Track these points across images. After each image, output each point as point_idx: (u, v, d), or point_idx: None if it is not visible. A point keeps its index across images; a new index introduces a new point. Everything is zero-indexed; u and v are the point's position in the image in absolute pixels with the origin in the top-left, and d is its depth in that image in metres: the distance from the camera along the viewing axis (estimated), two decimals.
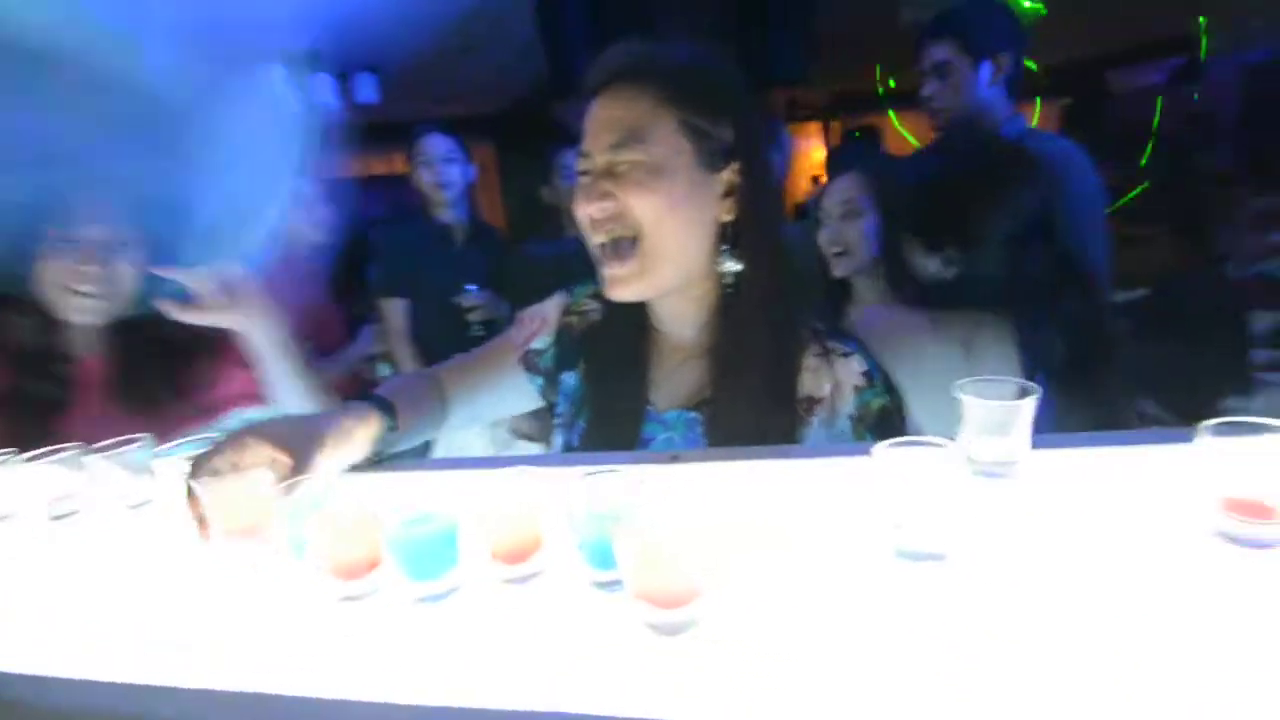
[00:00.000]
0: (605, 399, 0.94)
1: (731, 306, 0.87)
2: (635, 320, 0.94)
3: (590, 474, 0.58)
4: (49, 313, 1.17)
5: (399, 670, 0.49)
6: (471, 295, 2.28)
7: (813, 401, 0.84)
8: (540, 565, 0.59)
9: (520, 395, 1.04)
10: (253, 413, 1.21)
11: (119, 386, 1.20)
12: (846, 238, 1.51)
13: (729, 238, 0.86)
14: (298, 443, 0.72)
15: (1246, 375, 1.61)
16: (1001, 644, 0.45)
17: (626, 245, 0.83)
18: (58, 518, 0.83)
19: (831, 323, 0.91)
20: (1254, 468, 0.51)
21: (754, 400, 0.84)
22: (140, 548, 0.75)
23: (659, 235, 0.82)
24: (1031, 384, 0.65)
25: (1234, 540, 0.52)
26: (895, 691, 0.42)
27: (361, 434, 0.81)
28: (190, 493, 0.66)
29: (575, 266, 0.97)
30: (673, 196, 0.81)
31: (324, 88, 4.65)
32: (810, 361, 0.86)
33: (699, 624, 0.49)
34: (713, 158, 0.84)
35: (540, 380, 1.03)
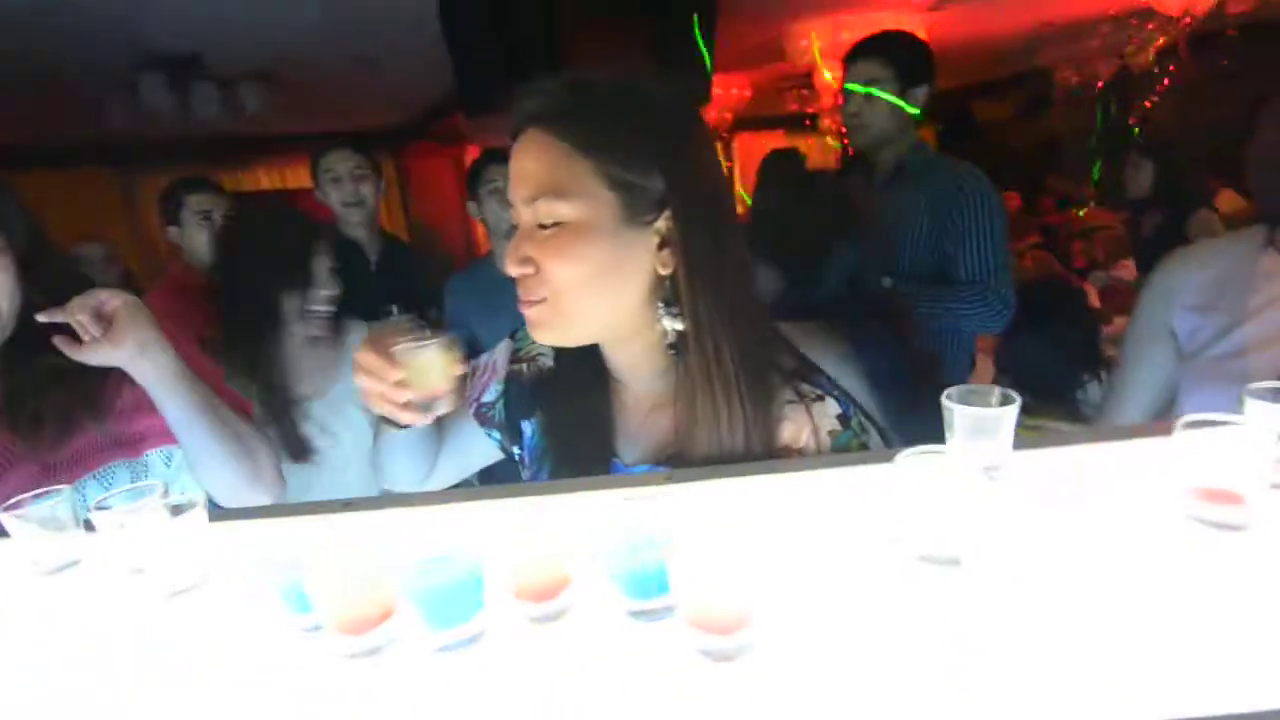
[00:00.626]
0: (568, 453, 0.88)
1: (689, 362, 0.78)
2: (590, 368, 0.88)
3: (627, 499, 0.56)
4: None
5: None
6: (392, 318, 2.18)
7: (790, 452, 0.79)
8: (569, 600, 0.56)
9: (482, 450, 1.00)
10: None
11: (6, 414, 0.99)
12: None
13: (666, 292, 0.78)
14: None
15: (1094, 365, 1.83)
16: (1014, 641, 0.47)
17: (539, 302, 0.77)
18: None
19: (802, 362, 0.84)
20: (1223, 459, 0.57)
21: (724, 449, 0.78)
22: (85, 615, 0.65)
23: (573, 300, 0.76)
24: (1012, 392, 0.70)
25: (1208, 524, 0.58)
26: (950, 703, 0.43)
27: None
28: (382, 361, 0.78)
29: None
30: (592, 262, 0.74)
31: (206, 96, 4.31)
32: (785, 410, 0.80)
33: (754, 648, 0.49)
34: (641, 210, 0.75)
35: (496, 434, 0.99)
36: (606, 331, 0.82)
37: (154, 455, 1.08)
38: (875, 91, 1.83)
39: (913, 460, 0.58)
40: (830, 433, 0.79)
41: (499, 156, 2.19)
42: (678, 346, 0.79)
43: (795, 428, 0.79)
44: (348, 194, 2.25)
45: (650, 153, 0.75)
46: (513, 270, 0.78)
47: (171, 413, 1.02)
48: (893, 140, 1.91)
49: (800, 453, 0.79)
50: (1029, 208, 6.42)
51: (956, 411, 0.69)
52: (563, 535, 0.56)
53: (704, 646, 0.48)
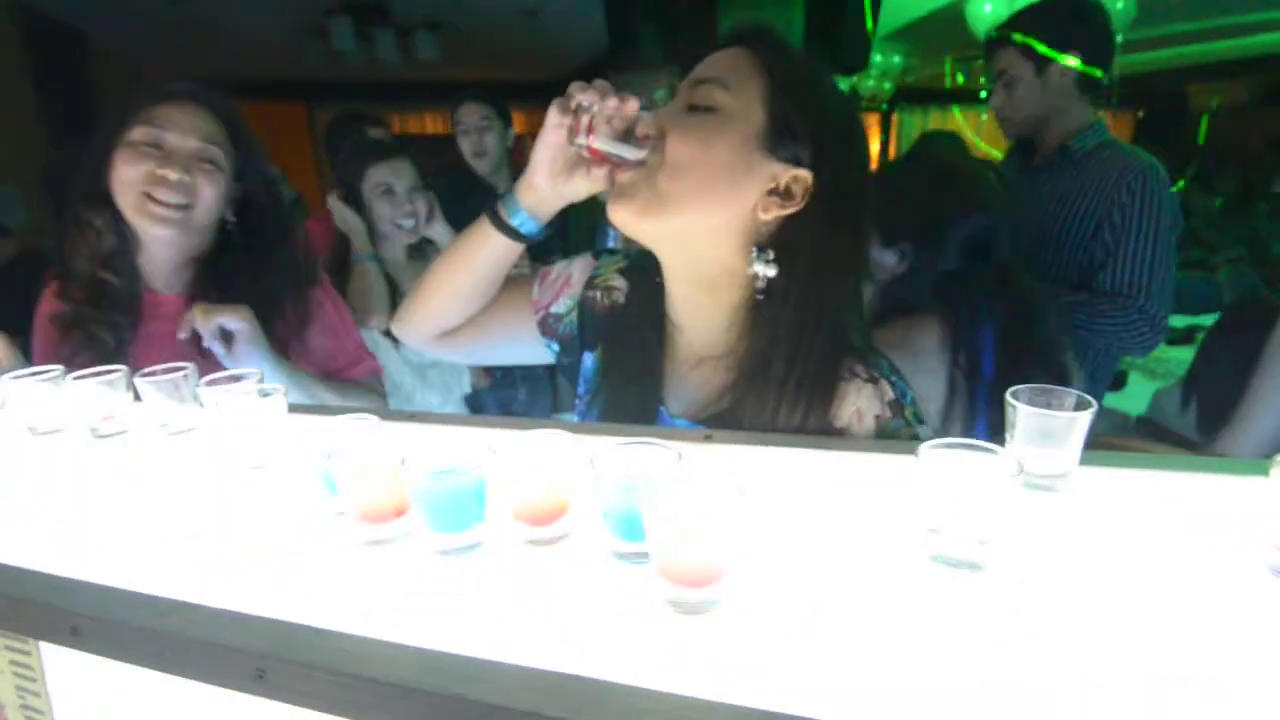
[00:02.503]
0: (620, 395, 0.89)
1: (761, 318, 0.79)
2: (656, 312, 0.88)
3: (625, 444, 0.57)
4: (126, 230, 1.13)
5: (416, 615, 0.50)
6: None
7: (834, 429, 0.78)
8: (565, 529, 0.58)
9: (532, 351, 1.00)
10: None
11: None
12: None
13: (763, 238, 0.78)
14: None
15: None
16: (1025, 659, 0.43)
17: (637, 165, 0.78)
18: (102, 436, 0.86)
19: (867, 344, 0.83)
20: None
21: (778, 417, 0.77)
22: (178, 473, 0.76)
23: (674, 182, 0.76)
24: (1088, 396, 0.62)
25: None
26: (904, 685, 0.41)
27: None
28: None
29: None
30: (716, 156, 0.75)
31: (386, 43, 4.67)
32: (840, 387, 0.78)
33: (720, 604, 0.48)
34: (778, 147, 0.76)
35: (557, 346, 0.98)
36: (680, 238, 0.80)
37: None
38: (1040, 48, 1.61)
39: (939, 453, 0.54)
40: (877, 417, 0.76)
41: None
42: (768, 293, 0.78)
43: (842, 405, 0.77)
44: (474, 144, 2.38)
45: (816, 113, 0.77)
46: (645, 128, 0.79)
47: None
48: (1054, 118, 1.68)
49: (841, 432, 0.77)
50: (1240, 212, 5.52)
51: (1020, 411, 0.63)
52: (573, 466, 0.58)
53: (671, 596, 0.48)
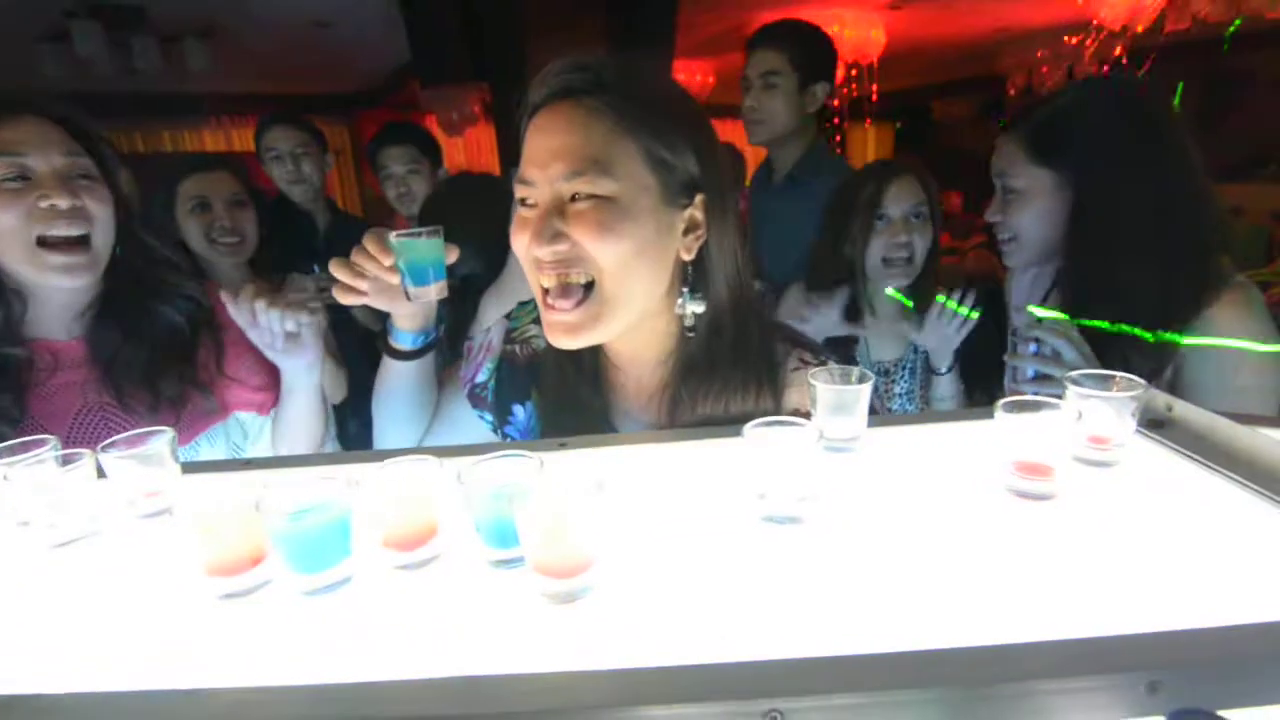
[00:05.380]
0: (563, 433, 0.86)
1: (696, 345, 0.81)
2: (586, 351, 0.86)
3: (486, 459, 0.60)
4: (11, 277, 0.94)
5: (296, 656, 0.49)
6: (315, 274, 2.18)
7: (799, 414, 0.80)
8: (436, 549, 0.60)
9: (474, 430, 0.99)
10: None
11: (110, 371, 1.01)
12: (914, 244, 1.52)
13: (689, 277, 0.80)
14: None
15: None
16: (849, 591, 0.53)
17: (578, 290, 0.75)
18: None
19: (797, 333, 0.89)
20: (1037, 436, 0.64)
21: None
22: None
23: (619, 282, 0.74)
24: (868, 371, 0.76)
25: (1022, 494, 0.65)
26: (761, 634, 0.49)
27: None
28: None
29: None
30: (636, 240, 0.73)
31: (148, 51, 4.15)
32: (791, 377, 0.83)
33: (591, 590, 0.53)
34: (676, 193, 0.76)
35: (488, 416, 0.97)
36: (634, 320, 0.80)
37: (240, 416, 1.18)
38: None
39: (761, 431, 0.64)
40: None
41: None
42: (697, 328, 0.81)
43: (802, 392, 0.83)
44: (289, 172, 2.19)
45: (684, 136, 0.76)
46: (543, 250, 0.74)
47: (292, 402, 1.11)
48: (788, 139, 1.89)
49: (809, 415, 0.82)
50: (975, 208, 6.64)
51: (820, 389, 0.75)
52: (437, 487, 0.60)
53: (547, 590, 0.53)
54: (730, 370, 0.82)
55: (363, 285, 0.87)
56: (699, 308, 0.80)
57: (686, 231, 0.79)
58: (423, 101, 4.97)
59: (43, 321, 1.00)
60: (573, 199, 0.74)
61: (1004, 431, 0.66)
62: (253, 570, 0.57)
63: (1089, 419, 0.67)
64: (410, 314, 0.92)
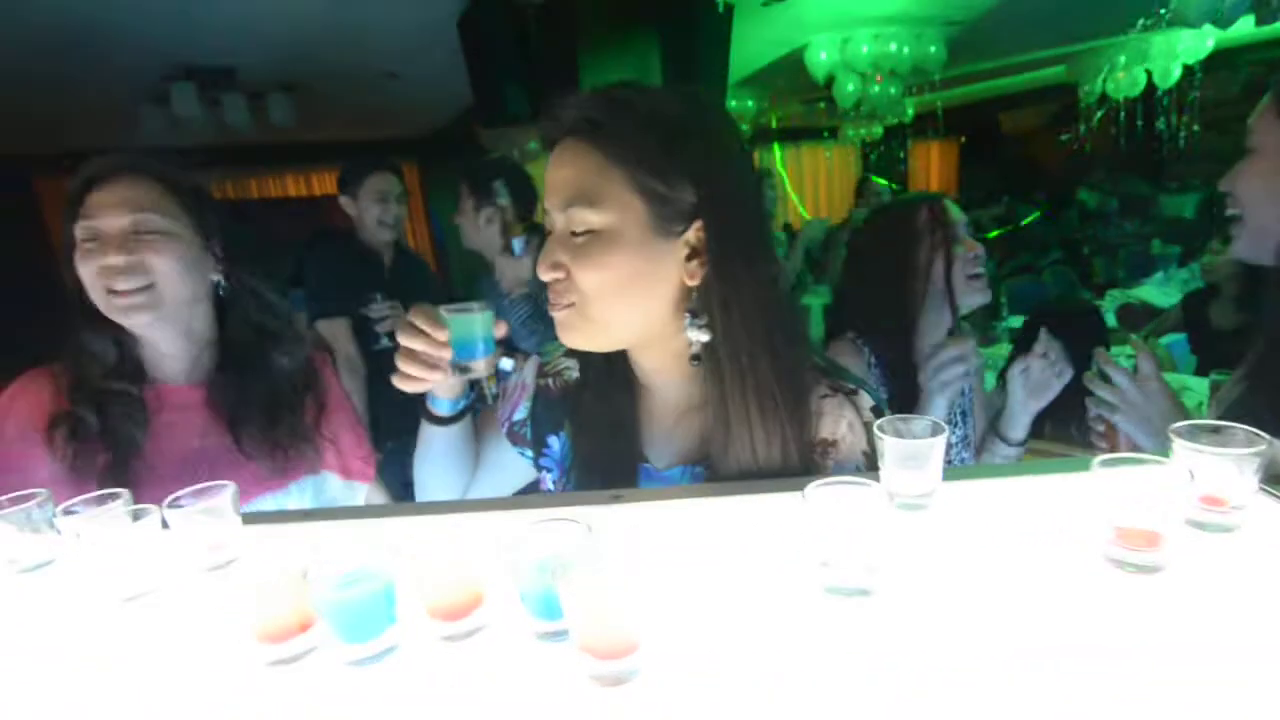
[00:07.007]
0: (595, 460, 0.89)
1: (712, 369, 0.80)
2: (618, 375, 0.89)
3: (535, 524, 0.58)
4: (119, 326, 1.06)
5: None
6: (377, 304, 2.27)
7: (827, 444, 0.81)
8: (482, 620, 0.58)
9: (517, 468, 1.00)
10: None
11: (233, 418, 1.11)
12: None
13: (694, 303, 0.80)
14: None
15: None
16: (924, 675, 0.48)
17: (568, 306, 0.80)
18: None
19: (830, 362, 0.87)
20: (1142, 497, 0.57)
21: (758, 452, 0.79)
22: (37, 613, 0.69)
23: (599, 309, 0.78)
24: (941, 423, 0.70)
25: (1124, 565, 0.57)
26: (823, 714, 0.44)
27: None
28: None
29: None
30: (620, 270, 0.76)
31: (236, 107, 4.45)
32: (821, 404, 0.82)
33: (641, 674, 0.50)
34: (670, 221, 0.77)
35: (529, 452, 0.98)
36: (634, 339, 0.83)
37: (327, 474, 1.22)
38: None
39: (823, 491, 0.59)
40: (866, 424, 0.81)
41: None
42: (701, 357, 0.80)
43: (834, 420, 0.81)
44: (383, 214, 2.34)
45: (681, 164, 0.76)
46: (544, 275, 0.80)
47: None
48: None
49: (837, 444, 0.81)
50: (1050, 223, 6.32)
51: (887, 442, 0.70)
52: (482, 554, 0.58)
53: (592, 671, 0.50)
54: (755, 396, 0.79)
55: (437, 376, 0.86)
56: (704, 336, 0.79)
57: (690, 258, 0.79)
58: (485, 141, 5.15)
59: (160, 365, 1.12)
60: (573, 233, 0.78)
61: (1102, 492, 0.59)
62: (300, 636, 0.57)
63: (1202, 477, 0.60)
64: (450, 384, 0.91)
